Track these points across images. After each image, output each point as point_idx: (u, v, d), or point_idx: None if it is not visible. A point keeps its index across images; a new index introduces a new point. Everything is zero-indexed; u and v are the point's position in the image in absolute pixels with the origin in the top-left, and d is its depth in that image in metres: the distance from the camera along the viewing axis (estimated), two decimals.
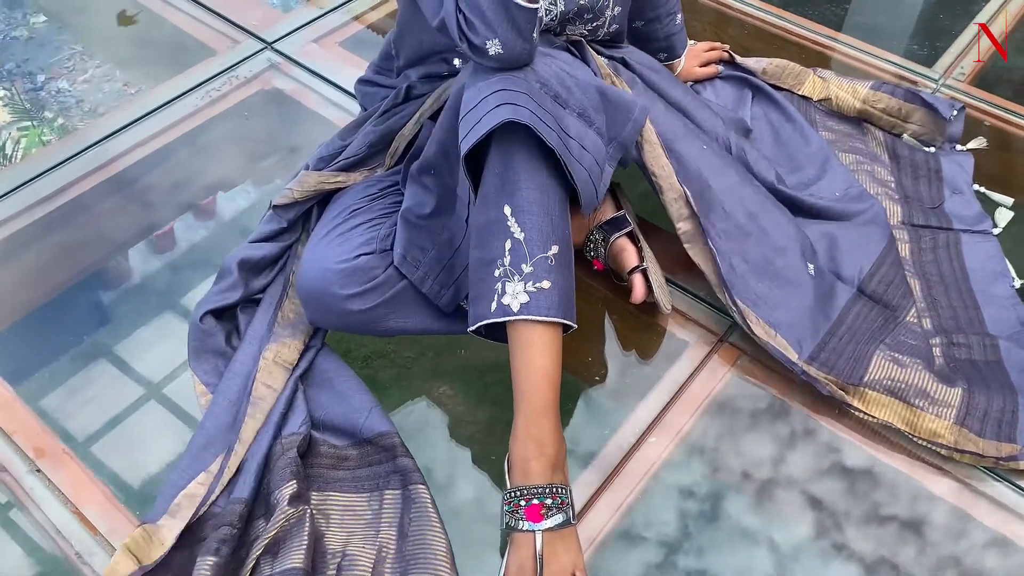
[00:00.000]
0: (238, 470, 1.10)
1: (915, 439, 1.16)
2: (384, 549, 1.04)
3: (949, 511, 1.13)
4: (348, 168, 1.27)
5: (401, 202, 1.23)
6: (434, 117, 1.27)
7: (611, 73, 1.27)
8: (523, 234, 1.01)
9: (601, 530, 1.10)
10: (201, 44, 1.80)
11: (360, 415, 1.14)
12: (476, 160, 1.05)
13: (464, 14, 1.00)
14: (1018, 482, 1.15)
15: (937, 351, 1.26)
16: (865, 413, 1.18)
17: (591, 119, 1.09)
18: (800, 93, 1.66)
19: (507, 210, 1.02)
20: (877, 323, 1.27)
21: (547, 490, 1.00)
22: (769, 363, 1.26)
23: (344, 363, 1.22)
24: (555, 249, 1.02)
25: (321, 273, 1.14)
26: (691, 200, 1.24)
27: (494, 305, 1.02)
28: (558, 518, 1.00)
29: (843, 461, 1.17)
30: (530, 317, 1.00)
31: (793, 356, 1.18)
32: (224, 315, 1.23)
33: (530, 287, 1.01)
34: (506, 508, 1.01)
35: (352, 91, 1.66)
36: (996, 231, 1.45)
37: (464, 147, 1.01)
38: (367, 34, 1.85)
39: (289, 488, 1.04)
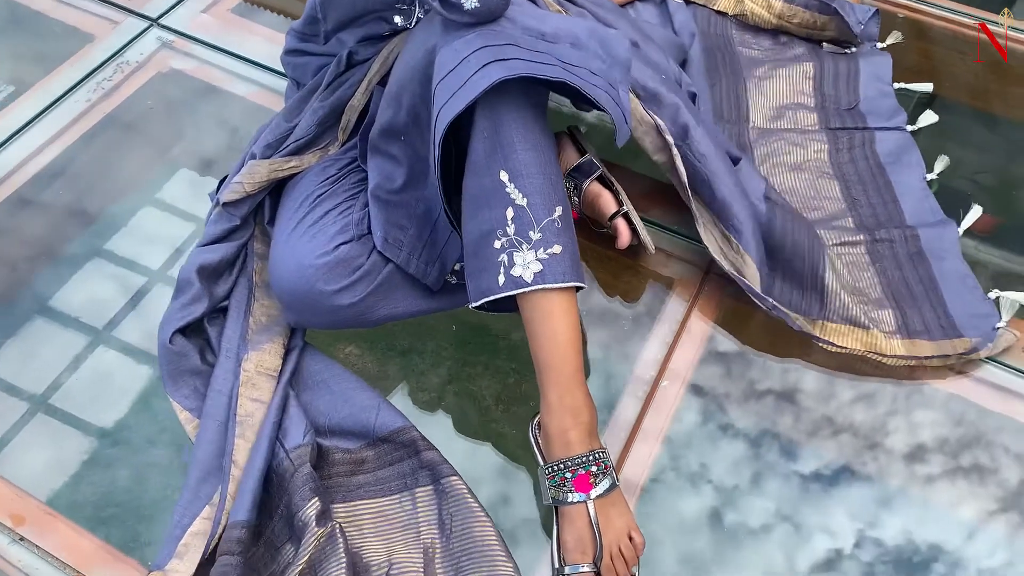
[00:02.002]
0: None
1: (883, 359, 1.18)
2: (430, 549, 0.99)
3: (950, 399, 1.17)
4: (299, 151, 1.16)
5: (365, 179, 1.15)
6: (383, 82, 1.18)
7: (560, 9, 1.21)
8: (525, 199, 0.96)
9: (639, 484, 1.09)
10: (74, 29, 1.61)
11: (369, 413, 1.07)
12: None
13: None
14: (1005, 361, 1.20)
15: (863, 249, 1.30)
16: (831, 343, 1.18)
17: (587, 47, 1.02)
18: (716, 8, 1.64)
19: (504, 176, 0.96)
20: (808, 234, 1.28)
21: (590, 457, 0.97)
22: None
23: (334, 360, 1.14)
24: (559, 210, 0.97)
25: (301, 271, 1.05)
26: (663, 131, 1.20)
27: (502, 278, 0.97)
28: (605, 483, 0.97)
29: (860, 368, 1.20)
30: (547, 286, 0.96)
31: (757, 286, 1.18)
32: (191, 330, 1.12)
33: (541, 254, 0.96)
34: (551, 483, 0.98)
35: (260, 61, 1.54)
36: (911, 128, 1.48)
37: (448, 114, 0.93)
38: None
39: (313, 507, 0.97)
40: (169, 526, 1.01)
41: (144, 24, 1.60)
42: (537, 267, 0.96)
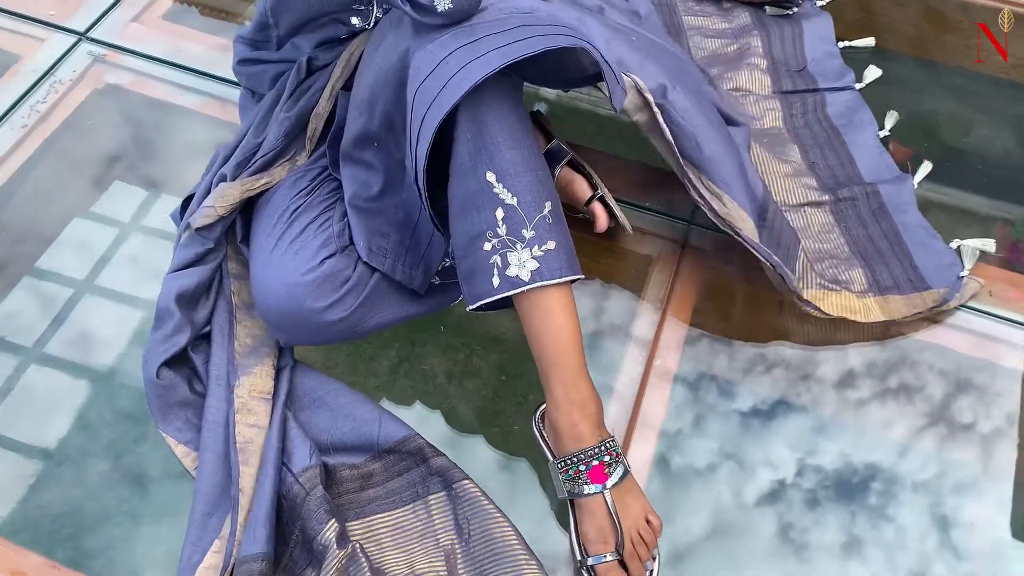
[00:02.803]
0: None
1: (856, 318, 1.20)
2: (451, 556, 0.99)
3: (926, 348, 1.22)
4: (268, 165, 1.13)
5: (338, 188, 1.12)
6: (346, 86, 1.14)
7: None
8: (515, 198, 0.95)
9: (646, 465, 1.10)
10: None
11: (371, 426, 1.06)
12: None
13: None
14: (979, 307, 1.25)
15: (827, 209, 1.33)
16: (816, 307, 1.18)
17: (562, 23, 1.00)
18: None
19: (491, 176, 0.95)
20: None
21: (602, 448, 0.98)
22: (733, 254, 1.28)
23: (327, 376, 1.12)
24: (549, 205, 0.97)
25: (288, 290, 1.02)
26: (642, 89, 1.18)
27: (497, 280, 0.96)
28: (619, 471, 0.98)
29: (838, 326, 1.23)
30: (544, 283, 0.95)
31: (751, 228, 1.17)
32: (176, 361, 1.08)
33: (536, 252, 0.95)
34: (564, 477, 0.99)
35: (203, 70, 1.48)
36: (859, 86, 1.51)
37: (433, 121, 0.91)
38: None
39: (331, 530, 0.95)
40: (179, 565, 0.98)
41: (72, 39, 1.52)
42: (533, 265, 0.95)
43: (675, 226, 1.32)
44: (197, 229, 1.10)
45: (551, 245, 0.96)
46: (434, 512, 1.02)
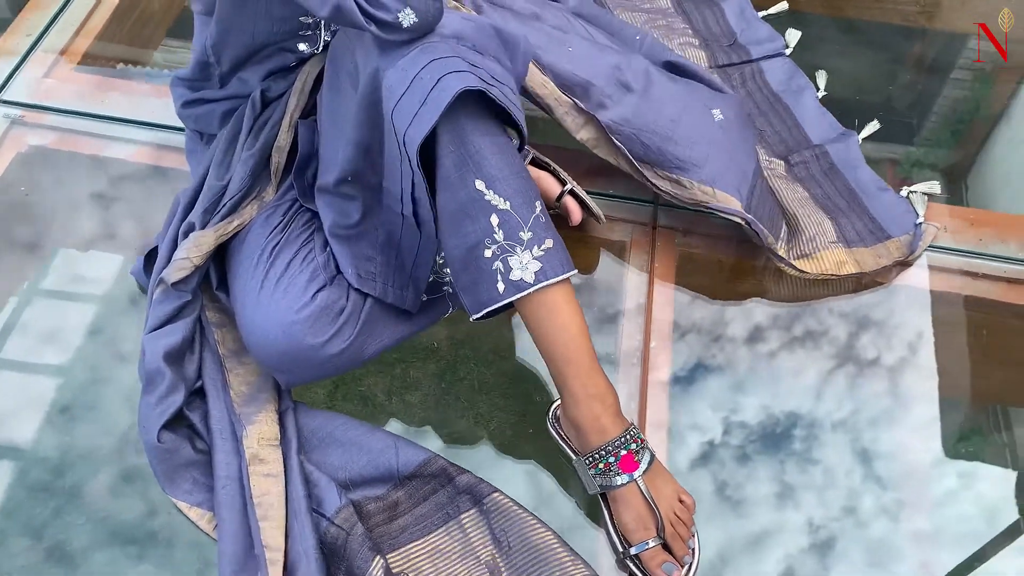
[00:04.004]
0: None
1: (833, 272, 1.24)
2: (495, 570, 0.97)
3: (902, 291, 1.27)
4: (236, 206, 1.09)
5: (312, 218, 1.09)
6: (304, 115, 1.12)
7: (457, 3, 1.18)
8: (508, 202, 0.94)
9: (663, 445, 1.11)
10: None
11: (388, 455, 1.04)
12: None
13: None
14: (944, 246, 1.31)
15: (781, 170, 1.37)
16: (794, 267, 1.22)
17: (502, 60, 1.02)
18: None
19: (480, 185, 0.94)
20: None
21: (627, 436, 0.98)
22: (704, 228, 1.30)
23: (330, 412, 1.09)
24: (539, 205, 0.96)
25: (285, 329, 0.99)
26: (581, 106, 1.21)
27: (501, 285, 0.95)
28: (647, 457, 0.99)
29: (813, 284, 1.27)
30: (549, 282, 0.95)
31: (738, 205, 1.20)
32: (174, 421, 1.04)
33: (537, 252, 0.95)
34: (594, 472, 0.99)
35: (131, 117, 1.42)
36: (788, 51, 1.56)
37: (417, 135, 0.90)
38: (103, 48, 1.56)
39: (378, 566, 0.93)
40: None
41: None
42: (536, 266, 0.95)
43: (641, 208, 1.34)
44: (173, 284, 1.05)
45: (549, 243, 0.95)
46: (469, 530, 1.00)
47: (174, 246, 1.09)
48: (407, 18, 0.89)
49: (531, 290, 0.94)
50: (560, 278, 0.95)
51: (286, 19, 1.06)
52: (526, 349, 1.18)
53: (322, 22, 1.08)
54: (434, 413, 1.14)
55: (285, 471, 1.00)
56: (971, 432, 1.19)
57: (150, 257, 1.17)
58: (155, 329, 1.06)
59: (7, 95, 1.45)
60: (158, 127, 1.42)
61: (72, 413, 1.11)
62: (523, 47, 1.07)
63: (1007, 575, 1.04)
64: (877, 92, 1.56)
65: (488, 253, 0.94)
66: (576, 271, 0.98)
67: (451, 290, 1.13)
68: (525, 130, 0.96)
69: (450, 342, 1.19)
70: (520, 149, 0.99)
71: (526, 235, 0.94)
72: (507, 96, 0.94)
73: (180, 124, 1.38)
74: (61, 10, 1.58)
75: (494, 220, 0.94)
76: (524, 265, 0.95)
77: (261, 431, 1.02)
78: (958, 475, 1.12)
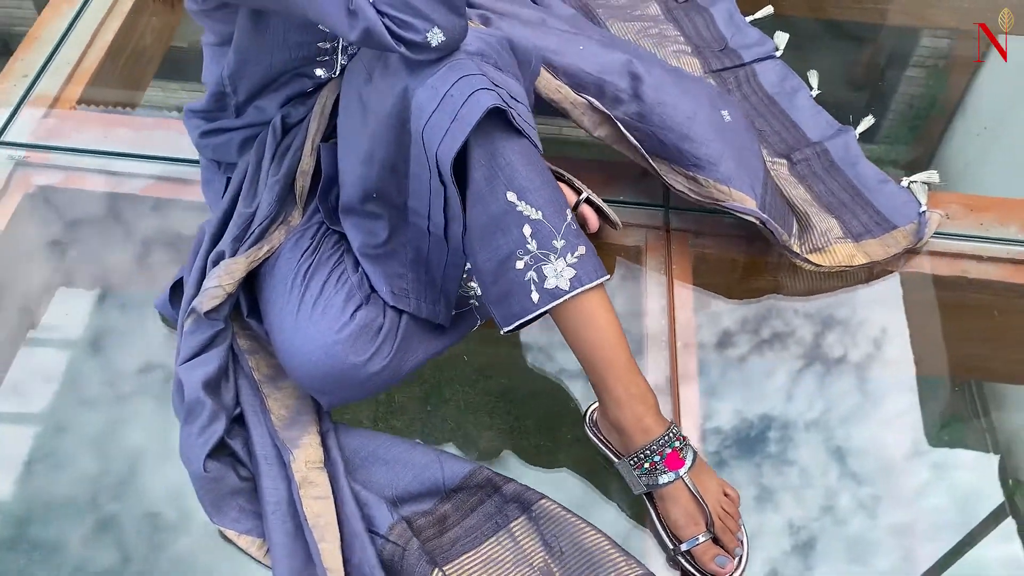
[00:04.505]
0: None
1: (845, 263, 1.27)
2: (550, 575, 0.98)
3: (911, 278, 1.30)
4: (265, 232, 1.09)
5: (340, 239, 1.10)
6: (324, 138, 1.13)
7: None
8: (539, 212, 0.96)
9: (698, 444, 1.13)
10: None
11: (433, 469, 1.04)
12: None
13: (391, 16, 0.88)
14: (948, 232, 1.34)
15: (784, 170, 1.41)
16: (808, 261, 1.26)
17: (518, 75, 1.04)
18: None
19: (511, 196, 0.95)
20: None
21: (670, 434, 1.00)
22: (716, 229, 1.33)
23: (370, 430, 1.10)
24: (569, 213, 0.98)
25: (326, 350, 1.00)
26: (597, 105, 1.23)
27: (536, 295, 0.97)
28: (691, 453, 1.01)
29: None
30: (584, 288, 0.96)
31: (752, 204, 1.22)
32: (216, 451, 1.03)
33: (571, 259, 0.97)
34: (640, 472, 1.00)
35: (137, 152, 1.42)
36: (778, 53, 1.60)
37: (450, 152, 0.91)
38: (101, 86, 1.56)
39: None
40: None
41: None
42: (570, 273, 0.96)
43: (652, 213, 1.36)
44: (205, 312, 1.05)
45: (582, 250, 0.97)
46: (520, 538, 1.01)
47: (202, 276, 1.09)
48: (435, 37, 0.90)
49: (566, 297, 0.96)
50: (595, 283, 0.97)
51: (303, 45, 1.07)
52: (512, 367, 1.20)
53: (339, 47, 1.09)
54: (421, 434, 1.14)
55: (334, 492, 1.00)
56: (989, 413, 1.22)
57: (175, 289, 1.17)
58: (188, 359, 1.06)
59: (9, 136, 1.45)
60: (165, 160, 1.42)
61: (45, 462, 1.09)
62: (534, 63, 1.10)
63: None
64: (835, 91, 1.59)
65: (520, 264, 0.96)
66: (609, 276, 1.00)
67: (477, 303, 1.14)
68: (539, 147, 0.98)
69: (432, 364, 1.16)
70: None
71: (559, 243, 0.96)
72: (523, 116, 0.96)
73: (187, 156, 1.40)
74: (55, 50, 1.58)
75: (526, 230, 0.95)
76: (558, 273, 0.96)
77: (307, 454, 1.02)
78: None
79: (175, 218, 1.36)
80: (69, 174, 1.41)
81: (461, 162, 0.95)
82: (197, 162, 1.38)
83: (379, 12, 0.88)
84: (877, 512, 1.09)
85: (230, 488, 1.02)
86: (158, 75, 1.69)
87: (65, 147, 1.44)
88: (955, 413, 1.22)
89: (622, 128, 1.22)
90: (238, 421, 1.07)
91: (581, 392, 1.17)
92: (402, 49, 0.90)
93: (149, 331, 1.22)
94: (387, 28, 0.89)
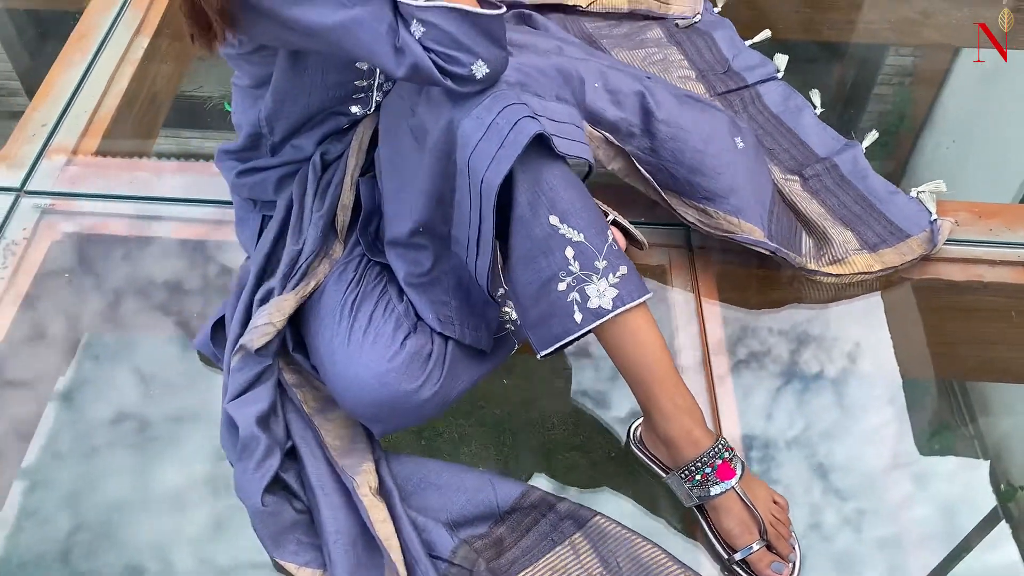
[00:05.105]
0: None
1: (858, 276, 1.31)
2: None
3: (928, 284, 1.35)
4: (310, 267, 1.11)
5: (383, 270, 1.13)
6: (362, 172, 1.15)
7: None
8: (581, 234, 0.98)
9: (741, 453, 1.15)
10: None
11: (486, 492, 1.06)
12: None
13: (438, 51, 0.91)
14: (960, 238, 1.39)
15: (797, 186, 1.45)
16: (828, 274, 1.31)
17: (562, 97, 1.07)
18: (570, 3, 1.74)
19: (554, 220, 0.98)
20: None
21: (719, 445, 1.02)
22: (737, 244, 1.36)
23: (420, 457, 1.11)
24: (609, 235, 1.01)
25: (379, 378, 1.01)
26: (612, 139, 1.27)
27: (579, 315, 0.99)
28: (739, 464, 1.03)
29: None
30: (628, 307, 0.99)
31: (761, 235, 1.26)
32: (271, 485, 1.04)
33: (613, 279, 0.99)
34: (691, 484, 1.02)
35: (162, 195, 1.44)
36: (779, 75, 1.65)
37: (497, 178, 0.94)
38: (118, 132, 1.58)
39: None
40: None
41: (10, 197, 1.43)
42: (613, 292, 0.99)
43: (674, 232, 1.40)
44: (256, 350, 1.07)
45: (624, 270, 1.00)
46: (580, 552, 1.02)
47: (248, 314, 1.11)
48: (479, 70, 0.94)
49: (610, 316, 0.98)
50: (638, 302, 1.00)
51: (341, 84, 1.10)
52: (544, 391, 1.22)
53: (375, 84, 1.12)
54: (465, 458, 1.15)
55: (393, 519, 1.01)
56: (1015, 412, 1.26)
57: (215, 328, 1.18)
58: (236, 396, 1.07)
59: (32, 186, 1.46)
60: (189, 202, 1.43)
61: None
62: (576, 76, 1.13)
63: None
64: (862, 103, 1.65)
65: (562, 286, 0.98)
66: (651, 294, 1.02)
67: (513, 327, 1.17)
68: (593, 161, 1.02)
69: (472, 389, 1.17)
70: (586, 178, 1.04)
71: (601, 264, 0.99)
72: (572, 136, 1.00)
73: (211, 197, 1.42)
74: (72, 98, 1.60)
75: (569, 252, 0.98)
76: (601, 293, 0.99)
77: (368, 480, 1.03)
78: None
79: (205, 259, 1.37)
80: (96, 220, 1.42)
81: (504, 189, 0.97)
82: (222, 203, 1.41)
83: (425, 48, 0.91)
84: (910, 516, 1.11)
85: (287, 522, 1.02)
86: (169, 121, 1.72)
87: (89, 193, 1.45)
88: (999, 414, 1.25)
89: (635, 162, 1.26)
90: (289, 455, 1.08)
91: (616, 411, 1.19)
92: (448, 82, 0.93)
93: (192, 372, 1.23)
94: (433, 63, 0.92)
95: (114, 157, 1.52)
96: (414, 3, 0.90)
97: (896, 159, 1.66)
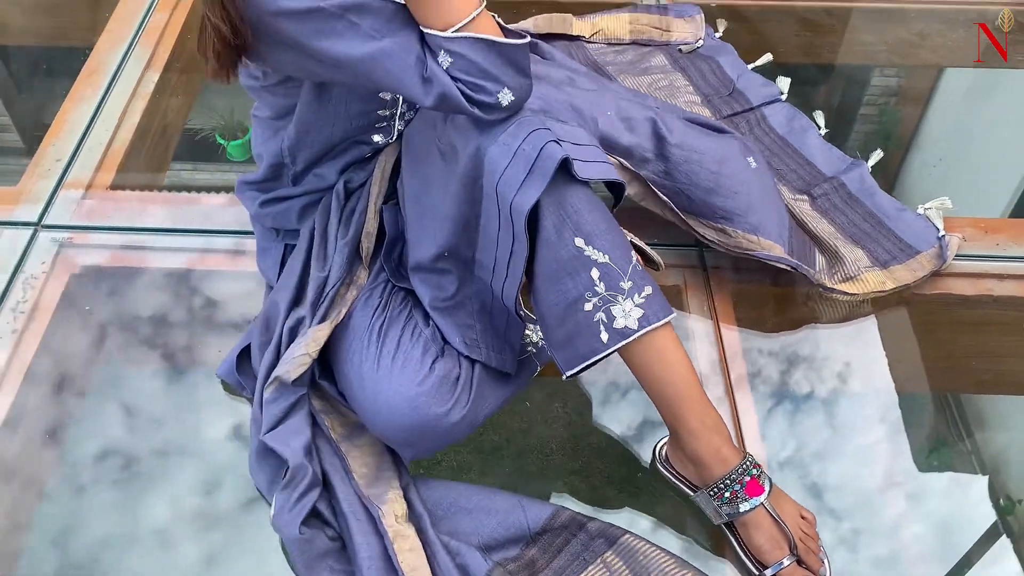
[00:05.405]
0: None
1: (868, 295, 1.34)
2: None
3: (939, 299, 1.37)
4: (337, 294, 1.12)
5: (407, 295, 1.14)
6: (385, 199, 1.17)
7: None
8: (606, 256, 1.00)
9: (767, 465, 1.16)
10: None
11: (516, 514, 1.06)
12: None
13: (465, 81, 0.93)
14: (968, 254, 1.41)
15: (807, 206, 1.48)
16: (844, 292, 1.33)
17: (581, 123, 1.10)
18: (574, 34, 1.78)
19: (579, 242, 1.00)
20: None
21: (747, 462, 1.03)
22: (750, 263, 1.38)
23: (449, 481, 1.12)
24: (633, 255, 1.03)
25: (410, 402, 1.02)
26: (627, 164, 1.29)
27: (605, 335, 1.00)
28: (767, 480, 1.04)
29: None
30: (653, 327, 1.01)
31: (781, 251, 1.29)
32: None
33: (638, 299, 1.01)
34: (721, 502, 1.03)
35: (179, 227, 1.45)
36: (783, 97, 1.69)
37: (526, 202, 0.96)
38: (132, 165, 1.59)
39: None
40: None
41: (28, 231, 1.44)
42: (638, 312, 1.00)
43: (687, 252, 1.42)
44: (292, 382, 1.07)
45: (649, 290, 1.01)
46: (613, 570, 1.03)
47: (279, 344, 1.11)
48: (505, 97, 0.96)
49: (636, 336, 1.00)
50: (663, 321, 1.01)
51: (365, 114, 1.12)
52: (564, 413, 1.24)
53: (397, 113, 1.14)
54: (495, 480, 1.16)
55: (424, 545, 1.02)
56: None
57: (240, 357, 1.18)
58: (273, 428, 1.07)
59: (49, 220, 1.47)
60: (206, 233, 1.45)
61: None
62: (588, 115, 1.16)
63: None
64: (865, 124, 1.69)
65: (588, 306, 1.00)
66: (676, 313, 1.04)
67: (535, 349, 1.18)
68: (619, 179, 1.04)
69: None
70: (617, 202, 1.05)
71: (626, 284, 1.00)
72: (595, 157, 1.01)
73: (224, 228, 1.44)
74: (86, 133, 1.61)
75: (594, 274, 1.00)
76: (627, 313, 1.00)
77: (395, 509, 1.04)
78: None
79: (223, 289, 1.38)
80: (113, 252, 1.43)
81: (533, 213, 0.99)
82: (238, 233, 1.42)
83: (452, 77, 0.93)
84: (953, 525, 1.13)
85: (321, 549, 1.02)
86: (178, 154, 1.73)
87: (106, 226, 1.46)
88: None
89: (651, 186, 1.28)
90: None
91: (636, 431, 1.20)
92: (475, 111, 0.95)
93: (217, 400, 1.24)
94: (460, 91, 0.94)
95: (129, 190, 1.53)
96: (441, 34, 0.92)
97: (884, 177, 1.68)
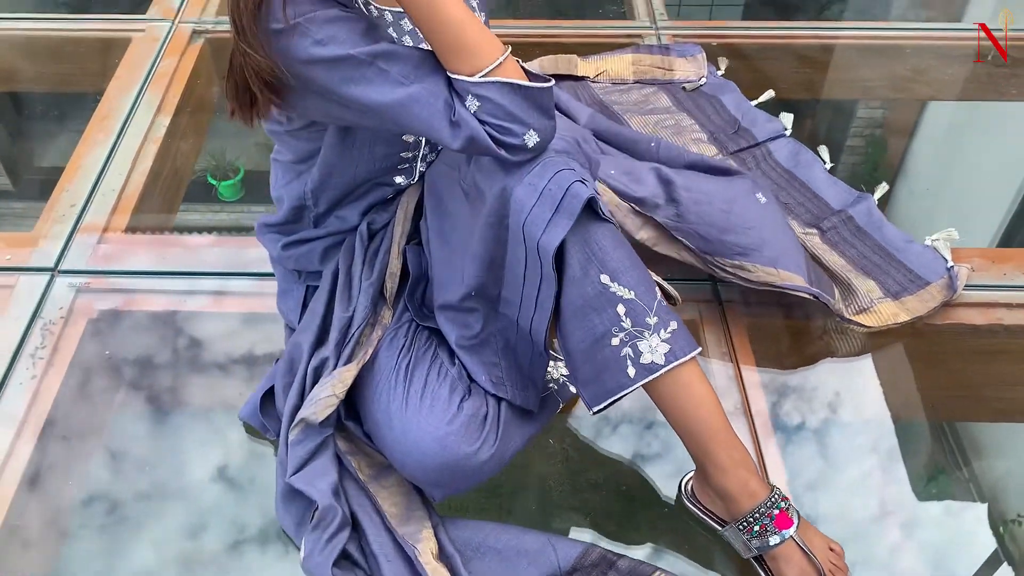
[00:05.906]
0: None
1: (883, 327, 1.35)
2: None
3: (948, 329, 1.39)
4: (363, 333, 1.13)
5: (432, 334, 1.15)
6: (408, 240, 1.18)
7: None
8: (632, 292, 1.01)
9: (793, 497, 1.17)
10: None
11: (547, 553, 1.06)
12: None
13: (492, 124, 0.95)
14: (977, 284, 1.44)
15: (817, 239, 1.50)
16: (860, 325, 1.35)
17: (591, 168, 1.12)
18: (579, 75, 1.81)
19: (605, 279, 1.01)
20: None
21: (775, 496, 1.04)
22: (764, 297, 1.40)
23: (477, 521, 1.12)
24: (657, 291, 1.04)
25: (440, 442, 1.02)
26: (639, 209, 1.31)
27: (632, 370, 1.01)
28: (795, 513, 1.04)
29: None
30: (680, 362, 1.02)
31: (802, 280, 1.32)
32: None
33: (664, 334, 1.02)
34: (750, 536, 1.03)
35: (194, 270, 1.46)
36: (787, 132, 1.72)
37: (553, 240, 0.97)
38: (146, 208, 1.60)
39: None
40: None
41: (45, 277, 1.45)
42: (665, 348, 1.01)
43: (701, 287, 1.43)
44: (320, 423, 1.07)
45: (674, 325, 1.03)
46: None
47: (303, 385, 1.12)
48: (531, 139, 0.97)
49: (663, 371, 1.01)
50: (690, 356, 1.02)
51: (387, 156, 1.14)
52: (589, 449, 1.24)
53: (419, 155, 1.16)
54: (521, 519, 1.17)
55: None
56: None
57: (263, 399, 1.19)
58: (299, 469, 1.07)
59: (65, 265, 1.47)
60: (224, 275, 1.45)
61: None
62: (594, 161, 1.18)
63: None
64: (870, 157, 1.72)
65: (615, 341, 1.01)
66: (701, 349, 1.05)
67: (556, 386, 1.19)
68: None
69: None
70: None
71: (652, 320, 1.02)
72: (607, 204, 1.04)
73: (243, 270, 1.45)
74: (100, 178, 1.62)
75: (620, 309, 1.01)
76: (653, 348, 1.01)
77: (430, 547, 1.04)
78: None
79: (244, 330, 1.38)
80: (131, 296, 1.44)
81: (559, 251, 1.01)
82: (255, 275, 1.43)
83: (480, 121, 0.95)
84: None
85: None
86: (188, 197, 1.74)
87: (121, 271, 1.47)
88: None
89: (666, 229, 1.30)
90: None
91: (660, 465, 1.21)
92: (502, 152, 0.97)
93: (237, 442, 1.24)
94: (488, 134, 0.96)
95: (144, 233, 1.54)
96: (469, 79, 0.94)
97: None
